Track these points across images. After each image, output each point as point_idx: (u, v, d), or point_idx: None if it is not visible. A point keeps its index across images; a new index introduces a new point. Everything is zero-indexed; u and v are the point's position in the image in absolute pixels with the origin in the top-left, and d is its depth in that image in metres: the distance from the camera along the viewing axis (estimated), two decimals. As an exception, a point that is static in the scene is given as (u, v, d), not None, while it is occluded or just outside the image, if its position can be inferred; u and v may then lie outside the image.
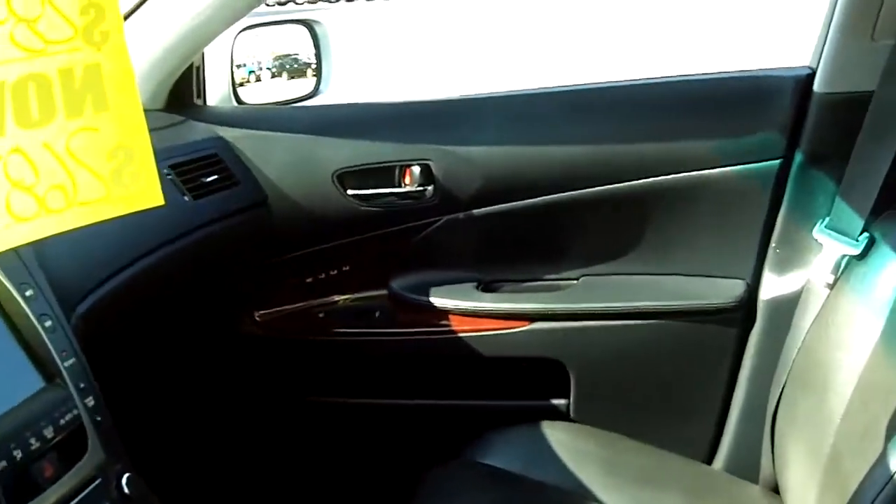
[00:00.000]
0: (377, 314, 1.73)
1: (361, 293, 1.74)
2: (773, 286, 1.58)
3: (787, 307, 1.54)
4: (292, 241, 1.70)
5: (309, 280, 1.72)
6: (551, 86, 1.71)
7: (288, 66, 2.07)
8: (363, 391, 1.74)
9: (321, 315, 1.74)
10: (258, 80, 2.07)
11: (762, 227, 1.58)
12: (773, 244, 1.58)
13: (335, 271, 1.72)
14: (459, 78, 8.98)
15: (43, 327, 1.05)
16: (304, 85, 1.90)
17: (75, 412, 1.03)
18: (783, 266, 1.57)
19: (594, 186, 1.62)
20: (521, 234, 1.67)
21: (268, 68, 2.11)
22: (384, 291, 1.73)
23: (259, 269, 1.72)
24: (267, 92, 1.91)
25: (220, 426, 1.79)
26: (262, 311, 1.75)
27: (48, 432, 0.98)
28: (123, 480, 1.06)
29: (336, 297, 1.75)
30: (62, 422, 1.01)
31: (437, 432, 1.71)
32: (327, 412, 1.76)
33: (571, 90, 1.72)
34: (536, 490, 1.47)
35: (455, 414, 1.71)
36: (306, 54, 1.94)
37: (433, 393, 1.72)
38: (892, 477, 1.00)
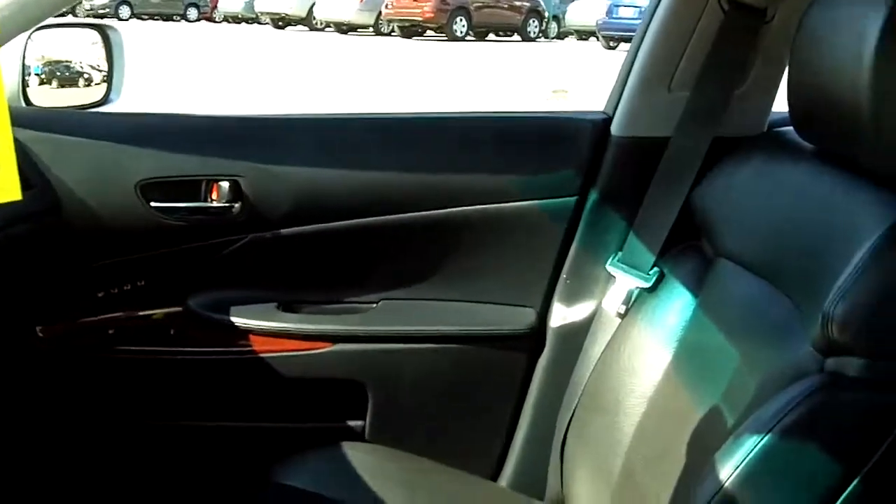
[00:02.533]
0: (172, 332, 1.68)
1: (157, 310, 1.68)
2: (562, 315, 1.68)
3: (577, 335, 1.65)
4: (86, 252, 1.62)
5: (101, 294, 1.65)
6: (365, 112, 1.75)
7: (59, 73, 1.96)
8: (159, 413, 1.68)
9: (111, 332, 1.67)
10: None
11: (554, 259, 1.68)
12: (563, 275, 1.68)
13: (129, 286, 1.66)
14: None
15: None
16: (83, 94, 1.83)
17: None
18: (573, 296, 1.68)
19: (400, 213, 1.66)
20: (326, 256, 1.69)
21: (36, 73, 1.98)
22: (180, 308, 1.68)
23: (48, 279, 1.63)
24: (57, 95, 1.82)
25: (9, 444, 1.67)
26: (47, 325, 1.65)
27: None
28: None
29: (129, 313, 1.68)
30: None
31: (239, 455, 1.68)
32: (123, 433, 1.68)
33: (384, 118, 1.77)
34: None
35: (257, 436, 1.69)
36: (80, 61, 1.87)
37: (233, 415, 1.69)
38: (720, 489, 1.09)
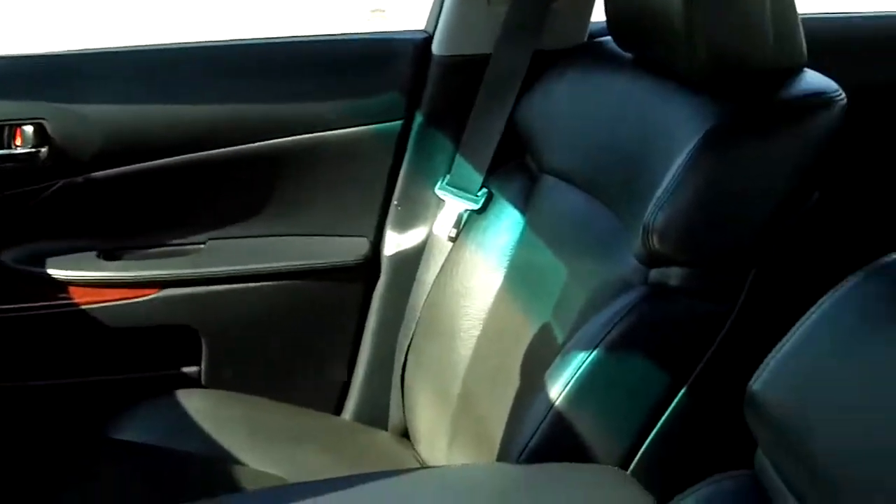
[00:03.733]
0: None
1: None
2: (395, 242, 1.65)
3: (411, 262, 1.63)
4: None
5: None
6: (181, 41, 1.65)
7: None
8: None
9: None
10: None
11: (384, 186, 1.65)
12: (394, 202, 1.65)
13: None
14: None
15: None
16: None
17: None
18: (405, 223, 1.65)
19: (220, 148, 1.59)
20: (145, 197, 1.61)
21: None
22: None
23: None
24: None
25: None
26: None
27: None
28: None
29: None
30: None
31: (72, 413, 1.60)
32: None
33: (201, 47, 1.67)
34: (180, 460, 1.43)
35: (89, 392, 1.61)
36: None
37: (61, 372, 1.60)
38: (552, 406, 1.10)
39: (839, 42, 1.69)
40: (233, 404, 1.59)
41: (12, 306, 1.57)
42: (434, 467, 1.44)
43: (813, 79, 1.20)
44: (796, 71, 1.21)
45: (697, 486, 0.78)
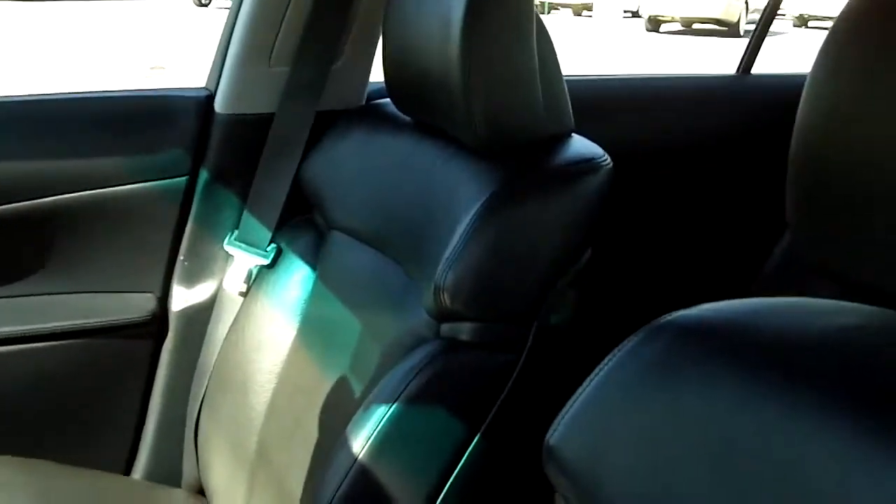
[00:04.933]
0: None
1: None
2: (184, 297, 1.65)
3: (200, 317, 1.63)
4: None
5: None
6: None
7: None
8: None
9: None
10: None
11: (171, 242, 1.65)
12: (181, 257, 1.65)
13: None
14: None
15: None
16: None
17: None
18: (193, 278, 1.65)
19: None
20: None
21: None
22: None
23: None
24: None
25: None
26: None
27: None
28: None
29: None
30: None
31: None
32: None
33: None
34: None
35: None
36: None
37: None
38: (355, 461, 1.14)
39: (602, 104, 1.84)
40: (18, 469, 1.53)
41: None
42: None
43: (581, 145, 1.31)
44: (566, 136, 1.32)
45: None
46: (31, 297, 1.62)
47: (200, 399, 1.58)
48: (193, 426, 1.59)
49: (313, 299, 1.46)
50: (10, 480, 1.49)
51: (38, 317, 1.60)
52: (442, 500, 1.17)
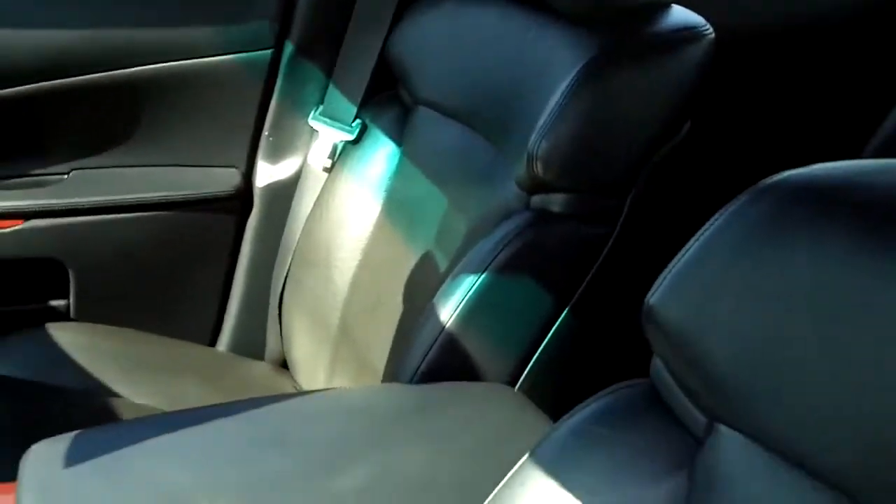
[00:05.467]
0: None
1: None
2: (268, 173, 1.64)
3: (284, 193, 1.62)
4: None
5: None
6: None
7: None
8: None
9: None
10: None
11: (255, 117, 1.63)
12: (265, 132, 1.64)
13: None
14: None
15: None
16: None
17: None
18: (277, 153, 1.64)
19: (82, 74, 1.54)
20: (4, 125, 1.55)
21: None
22: None
23: None
24: None
25: None
26: None
27: None
28: None
29: None
30: None
31: None
32: None
33: None
34: (53, 394, 1.41)
35: None
36: None
37: None
38: (442, 330, 1.13)
39: None
40: (105, 337, 1.56)
41: None
42: (321, 390, 1.45)
43: (682, 14, 1.25)
44: (666, 6, 1.26)
45: (595, 397, 0.82)
46: (117, 169, 1.62)
47: (284, 274, 1.58)
48: (277, 301, 1.59)
49: (398, 175, 1.44)
50: (97, 346, 1.52)
51: (124, 188, 1.60)
52: (528, 373, 1.16)
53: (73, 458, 0.97)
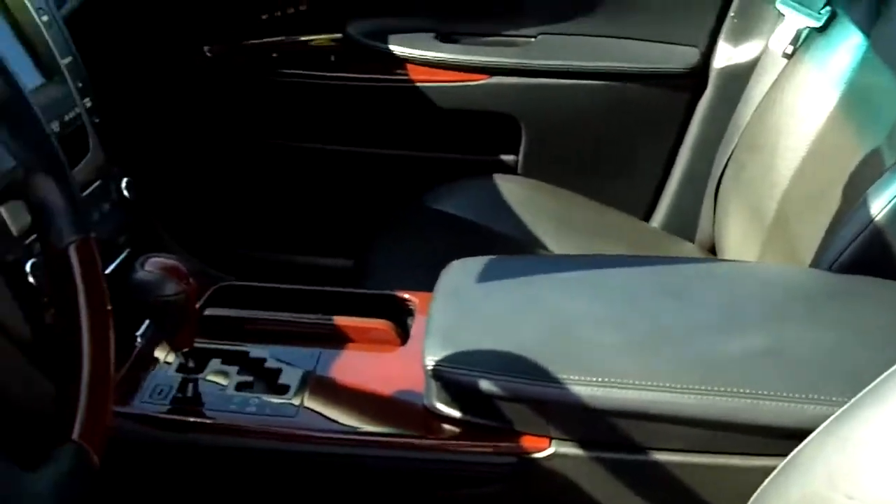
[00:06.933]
0: (332, 58, 1.70)
1: (317, 35, 1.70)
2: (727, 55, 1.61)
3: (741, 75, 1.59)
4: None
5: (264, 17, 1.67)
6: None
7: None
8: (315, 136, 1.72)
9: (274, 55, 1.70)
10: None
11: None
12: (731, 13, 1.61)
13: (292, 9, 1.67)
14: None
15: (41, 22, 1.01)
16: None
17: (76, 110, 1.01)
18: (740, 35, 1.61)
19: None
20: None
21: None
22: (340, 35, 1.70)
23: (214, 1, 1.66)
24: None
25: (198, 151, 1.74)
26: (213, 45, 1.69)
27: (54, 126, 0.96)
28: (123, 183, 1.06)
29: (290, 38, 1.70)
30: (66, 118, 0.98)
31: (393, 181, 1.72)
32: (285, 154, 1.73)
33: None
34: (489, 236, 1.51)
35: (409, 164, 1.72)
36: None
37: (388, 142, 1.71)
38: (869, 222, 1.06)
39: None
40: (545, 194, 1.64)
41: (353, 75, 1.67)
42: (735, 260, 1.43)
43: None
44: None
45: None
46: (582, 37, 1.68)
47: (727, 157, 1.55)
48: (715, 184, 1.57)
49: (862, 67, 1.35)
50: (535, 200, 1.60)
51: (584, 55, 1.66)
52: None
53: (485, 276, 1.05)
